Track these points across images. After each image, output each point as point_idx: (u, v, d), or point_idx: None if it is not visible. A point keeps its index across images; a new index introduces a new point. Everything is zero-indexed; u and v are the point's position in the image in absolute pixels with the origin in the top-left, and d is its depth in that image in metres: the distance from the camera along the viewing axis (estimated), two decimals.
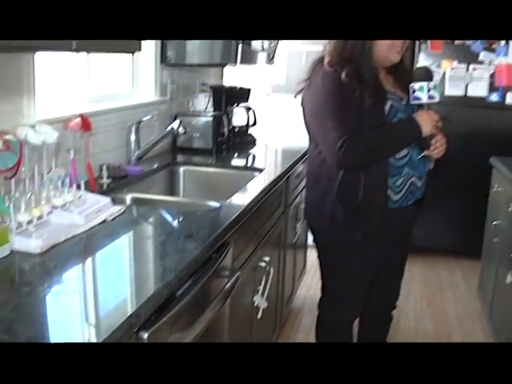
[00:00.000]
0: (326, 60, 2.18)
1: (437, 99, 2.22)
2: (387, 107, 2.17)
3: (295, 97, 2.35)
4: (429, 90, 2.19)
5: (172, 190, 3.06)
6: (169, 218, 2.08)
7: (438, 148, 2.23)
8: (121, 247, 1.79)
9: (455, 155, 4.78)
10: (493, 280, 3.50)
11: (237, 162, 3.37)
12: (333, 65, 2.15)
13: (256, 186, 2.56)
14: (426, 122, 2.18)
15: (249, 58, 3.30)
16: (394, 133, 2.18)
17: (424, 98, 2.20)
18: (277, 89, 5.17)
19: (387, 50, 2.17)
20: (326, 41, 2.24)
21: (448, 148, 2.29)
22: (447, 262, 4.95)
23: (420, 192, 2.35)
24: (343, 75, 2.10)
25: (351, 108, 2.11)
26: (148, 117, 2.82)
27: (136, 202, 2.45)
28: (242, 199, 2.34)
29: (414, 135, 2.19)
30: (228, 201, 2.29)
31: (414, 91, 2.21)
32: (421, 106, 2.23)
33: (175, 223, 2.01)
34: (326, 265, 2.46)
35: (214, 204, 2.25)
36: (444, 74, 4.72)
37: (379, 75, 2.23)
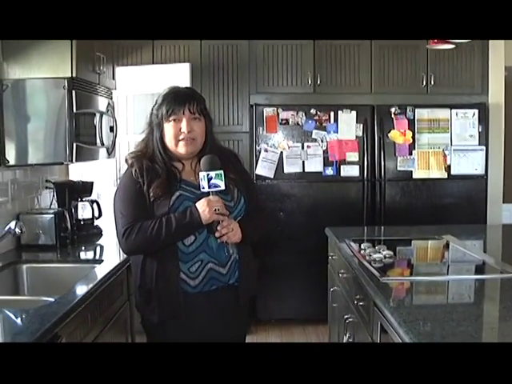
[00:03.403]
0: (128, 158, 2.45)
1: (221, 187, 2.28)
2: (174, 197, 2.32)
3: None
4: (210, 179, 2.26)
5: (16, 288, 3.08)
6: (2, 317, 2.15)
7: (224, 234, 2.30)
8: None
9: (298, 229, 5.14)
10: (337, 342, 3.74)
11: (81, 255, 3.50)
12: (132, 163, 2.41)
13: (92, 278, 2.69)
14: (204, 209, 2.26)
15: (86, 155, 3.46)
16: (171, 221, 2.26)
17: (206, 186, 2.27)
18: None
19: (174, 144, 2.38)
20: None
21: (243, 233, 2.34)
22: (303, 328, 5.19)
23: (227, 279, 2.39)
24: (133, 171, 2.36)
25: (137, 200, 2.33)
26: None
27: None
28: (76, 292, 2.47)
29: (193, 222, 2.27)
30: (62, 295, 2.39)
31: (201, 180, 2.29)
32: (208, 194, 2.28)
33: (7, 322, 2.10)
34: None
35: (49, 299, 2.35)
36: (281, 153, 5.08)
37: (174, 167, 2.41)
